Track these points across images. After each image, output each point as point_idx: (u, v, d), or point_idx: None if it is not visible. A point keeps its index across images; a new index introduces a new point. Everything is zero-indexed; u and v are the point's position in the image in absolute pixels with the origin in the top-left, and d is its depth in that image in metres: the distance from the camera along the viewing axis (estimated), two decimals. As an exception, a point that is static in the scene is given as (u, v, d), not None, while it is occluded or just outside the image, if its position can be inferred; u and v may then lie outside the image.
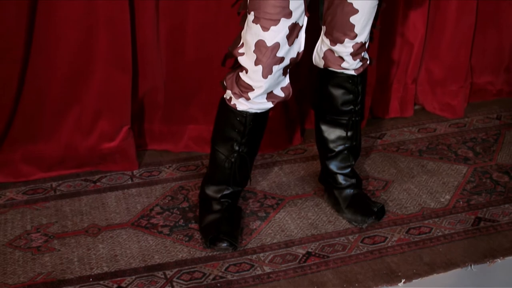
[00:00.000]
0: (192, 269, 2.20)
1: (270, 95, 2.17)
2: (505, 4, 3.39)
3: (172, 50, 2.79)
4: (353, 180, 2.51)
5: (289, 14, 2.04)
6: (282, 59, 2.10)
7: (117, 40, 2.63)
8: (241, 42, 2.14)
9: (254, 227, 2.42)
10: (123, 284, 2.11)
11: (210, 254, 2.27)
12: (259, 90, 2.12)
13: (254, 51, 2.07)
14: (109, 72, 2.67)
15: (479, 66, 3.51)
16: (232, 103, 2.19)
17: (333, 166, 2.50)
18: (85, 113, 2.73)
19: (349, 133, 2.45)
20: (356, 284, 2.13)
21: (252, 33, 2.07)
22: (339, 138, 2.46)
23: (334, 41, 2.29)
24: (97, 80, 2.69)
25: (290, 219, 2.47)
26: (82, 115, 2.73)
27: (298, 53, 2.16)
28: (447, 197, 2.64)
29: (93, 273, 2.16)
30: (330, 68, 2.37)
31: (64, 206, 2.54)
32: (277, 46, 2.06)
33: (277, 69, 2.10)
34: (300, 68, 2.63)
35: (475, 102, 3.51)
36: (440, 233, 2.40)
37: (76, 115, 2.72)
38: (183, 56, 2.80)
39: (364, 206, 2.47)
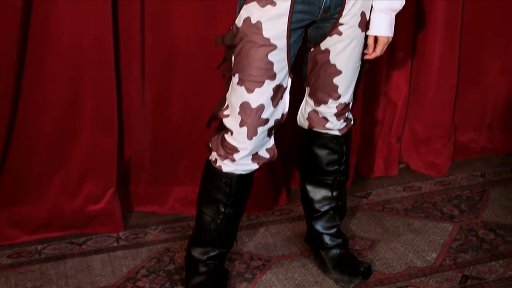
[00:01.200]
0: (178, 333, 2.18)
1: (255, 157, 2.19)
2: (485, 65, 3.46)
3: (158, 112, 2.81)
4: (339, 240, 2.51)
5: (273, 76, 2.07)
6: (267, 121, 2.12)
7: (103, 103, 2.65)
8: (226, 104, 2.17)
9: (241, 289, 2.41)
10: None
11: (196, 317, 2.25)
12: (244, 151, 2.13)
13: (239, 113, 2.10)
14: (95, 135, 2.68)
15: (462, 124, 3.56)
16: (217, 164, 2.20)
17: (319, 226, 2.50)
18: (71, 175, 2.72)
19: (334, 193, 2.46)
20: None
21: (236, 95, 2.10)
22: (325, 198, 2.46)
23: (318, 102, 2.32)
24: (83, 142, 2.69)
25: (277, 280, 2.46)
26: (68, 177, 2.72)
27: (282, 115, 2.19)
28: (434, 255, 2.64)
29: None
30: (315, 129, 2.39)
31: (49, 269, 2.52)
32: (261, 107, 2.09)
33: (262, 130, 2.12)
34: (284, 129, 2.65)
35: (459, 160, 3.54)
36: (427, 292, 2.40)
37: (62, 177, 2.72)
38: (169, 118, 2.82)
39: (350, 266, 2.46)
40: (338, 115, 2.33)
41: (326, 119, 2.35)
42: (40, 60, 2.56)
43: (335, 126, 2.36)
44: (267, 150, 2.21)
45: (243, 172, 2.20)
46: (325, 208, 2.47)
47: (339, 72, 2.24)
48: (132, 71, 2.72)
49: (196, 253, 2.34)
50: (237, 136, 2.12)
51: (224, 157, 2.17)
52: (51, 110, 2.63)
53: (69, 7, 2.53)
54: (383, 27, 2.23)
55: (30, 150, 2.64)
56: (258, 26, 2.04)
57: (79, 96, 2.64)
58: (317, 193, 2.47)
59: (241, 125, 2.10)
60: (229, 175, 2.19)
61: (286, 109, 2.19)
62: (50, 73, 2.58)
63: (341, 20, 2.16)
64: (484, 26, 3.39)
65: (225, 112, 2.16)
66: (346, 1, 2.12)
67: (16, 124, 2.60)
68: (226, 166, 2.18)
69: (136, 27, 2.68)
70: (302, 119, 2.44)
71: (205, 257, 2.32)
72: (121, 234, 2.78)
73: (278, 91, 2.11)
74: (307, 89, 2.36)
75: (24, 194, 2.68)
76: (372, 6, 2.22)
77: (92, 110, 2.66)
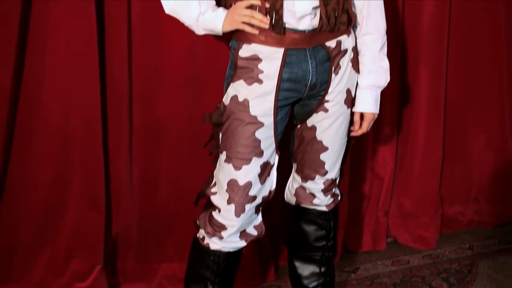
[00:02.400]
0: None
1: (243, 234, 2.18)
2: (470, 138, 3.50)
3: (145, 189, 2.81)
4: (329, 316, 2.49)
5: (260, 153, 2.09)
6: (254, 198, 2.13)
7: (91, 180, 2.65)
8: (213, 182, 2.18)
9: None
10: None
11: None
12: (232, 229, 2.13)
13: (226, 190, 2.10)
14: (82, 212, 2.67)
15: (449, 197, 3.57)
16: (205, 242, 2.19)
17: (308, 302, 2.48)
18: (58, 252, 2.69)
19: (322, 269, 2.44)
20: None
21: (224, 172, 2.11)
22: (313, 274, 2.45)
23: (305, 178, 2.34)
24: (70, 220, 2.68)
25: None
26: (55, 254, 2.69)
27: (270, 191, 2.19)
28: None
29: None
30: (302, 205, 2.40)
31: None
32: (249, 185, 2.10)
33: (249, 207, 2.13)
34: (272, 205, 2.65)
35: (447, 233, 3.54)
36: None
37: (49, 254, 2.69)
38: (156, 195, 2.82)
39: None
40: (325, 191, 2.35)
41: (313, 195, 2.36)
42: (28, 135, 2.57)
43: (322, 202, 2.37)
44: (255, 227, 2.21)
45: (231, 250, 2.19)
46: (314, 284, 2.46)
47: (325, 148, 2.26)
48: (120, 147, 2.73)
49: (185, 331, 2.30)
50: (225, 214, 2.12)
51: (211, 235, 2.16)
52: (39, 186, 2.62)
53: (58, 83, 2.56)
54: (368, 103, 2.27)
55: (17, 226, 2.62)
56: (245, 104, 2.07)
57: (67, 172, 2.64)
58: (305, 269, 2.46)
59: (228, 202, 2.11)
60: (217, 253, 2.18)
61: (274, 186, 2.20)
62: (38, 149, 2.58)
63: (327, 97, 2.20)
64: (468, 100, 3.44)
65: (213, 190, 2.17)
66: (332, 78, 2.16)
67: (3, 200, 2.58)
68: (214, 244, 2.17)
69: (124, 104, 2.70)
70: (289, 195, 2.45)
71: (194, 336, 2.28)
72: (108, 311, 2.74)
73: (265, 168, 2.13)
74: (294, 165, 2.38)
75: (10, 271, 2.64)
76: (357, 83, 2.26)
77: (80, 187, 2.66)
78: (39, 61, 2.54)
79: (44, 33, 2.53)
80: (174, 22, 2.14)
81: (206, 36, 2.24)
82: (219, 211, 2.13)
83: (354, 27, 2.24)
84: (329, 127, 2.24)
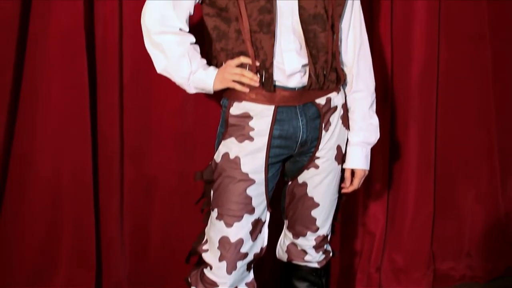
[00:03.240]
0: None
1: (235, 291, 2.17)
2: (461, 192, 3.50)
3: (136, 246, 2.80)
4: None
5: (252, 210, 2.09)
6: (246, 255, 2.12)
7: (81, 236, 2.65)
8: (205, 239, 2.17)
9: None
10: None
11: None
12: (223, 286, 2.12)
13: (218, 247, 2.10)
14: (72, 268, 2.66)
15: (440, 252, 3.56)
16: (197, 300, 2.18)
17: None
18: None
19: (315, 326, 2.43)
20: None
21: (215, 229, 2.11)
22: (306, 330, 2.43)
23: (296, 235, 2.34)
24: (60, 277, 2.67)
25: None
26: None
27: (261, 248, 2.19)
28: None
29: None
30: (294, 262, 2.40)
31: None
32: (240, 242, 2.09)
33: (241, 264, 2.12)
34: (264, 262, 2.64)
35: (439, 288, 3.52)
36: None
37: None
38: (147, 252, 2.81)
39: None
40: (316, 248, 2.34)
41: (305, 252, 2.36)
42: (19, 191, 2.58)
43: (314, 259, 2.37)
44: (246, 284, 2.20)
45: (223, 307, 2.18)
46: None
47: (316, 205, 2.27)
48: (111, 204, 2.73)
49: None
50: (217, 271, 2.11)
51: (203, 292, 2.15)
52: (29, 242, 2.62)
53: (50, 140, 2.58)
54: (359, 160, 2.29)
55: (8, 284, 2.60)
56: (236, 161, 2.08)
57: (58, 229, 2.64)
58: (299, 326, 2.44)
59: (220, 259, 2.10)
60: (209, 311, 2.16)
61: (265, 243, 2.20)
62: (28, 206, 2.59)
63: (317, 154, 2.21)
64: (458, 155, 3.46)
65: (204, 247, 2.16)
66: (322, 135, 2.19)
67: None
68: (206, 302, 2.16)
69: (116, 160, 2.71)
70: (281, 252, 2.45)
71: None
72: None
73: (257, 225, 2.13)
74: (286, 222, 2.38)
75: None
76: (347, 140, 2.29)
77: (70, 243, 2.65)
78: (31, 118, 2.57)
79: (36, 89, 2.56)
80: (166, 80, 2.16)
81: (197, 94, 2.27)
82: (211, 268, 2.12)
83: (344, 84, 2.28)
84: (320, 184, 2.26)
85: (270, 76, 2.05)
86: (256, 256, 2.17)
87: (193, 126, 2.73)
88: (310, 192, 2.26)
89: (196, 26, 2.34)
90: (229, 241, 2.09)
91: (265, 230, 2.19)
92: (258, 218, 2.13)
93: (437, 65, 3.18)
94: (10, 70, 2.49)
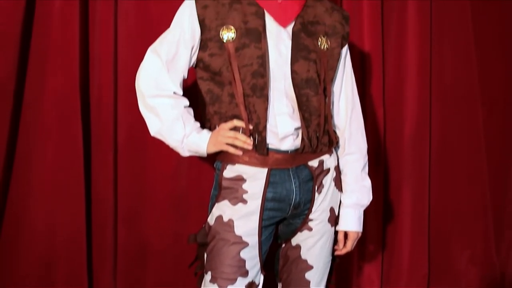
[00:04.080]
0: None
1: None
2: (455, 253, 3.48)
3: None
4: None
5: (245, 273, 2.08)
6: (240, 316, 2.10)
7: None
8: (199, 302, 2.16)
9: None
10: None
11: None
12: None
13: (212, 311, 2.09)
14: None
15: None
16: None
17: None
18: None
19: None
20: None
21: (209, 292, 2.10)
22: None
23: (290, 298, 2.32)
24: None
25: None
26: None
27: (256, 311, 2.17)
28: None
29: None
30: (288, 324, 2.37)
31: None
32: (235, 302, 2.08)
33: (235, 329, 2.10)
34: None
35: None
36: None
37: None
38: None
39: None
40: (311, 311, 2.32)
41: (299, 315, 2.34)
42: (12, 255, 2.57)
43: (308, 321, 2.35)
44: None
45: None
46: None
47: (310, 267, 2.26)
48: (104, 268, 2.72)
49: None
50: (211, 334, 2.09)
51: None
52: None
53: (43, 203, 2.59)
54: (352, 222, 2.29)
55: None
56: (230, 224, 2.08)
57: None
58: None
59: (214, 324, 2.08)
60: None
61: (260, 309, 2.18)
62: (21, 270, 2.57)
63: (311, 216, 2.22)
64: (451, 216, 3.45)
65: (198, 311, 2.15)
66: (315, 197, 2.19)
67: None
68: None
69: (109, 224, 2.72)
70: (275, 314, 2.43)
71: None
72: None
73: (250, 288, 2.12)
74: (279, 285, 2.36)
75: None
76: (340, 202, 2.29)
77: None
78: (25, 181, 2.58)
79: (31, 152, 2.58)
80: (160, 143, 2.18)
81: (191, 157, 2.28)
82: (205, 331, 2.11)
83: (336, 146, 2.30)
84: (314, 246, 2.25)
85: (263, 139, 2.06)
86: (251, 318, 2.16)
87: (187, 188, 2.74)
88: (304, 254, 2.26)
89: (189, 89, 2.37)
90: (223, 304, 2.07)
91: (259, 293, 2.18)
92: (252, 281, 2.11)
93: (429, 125, 3.21)
94: (5, 132, 2.51)
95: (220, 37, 2.07)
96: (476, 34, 3.24)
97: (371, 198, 2.33)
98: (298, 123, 2.10)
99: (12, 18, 2.50)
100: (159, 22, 2.62)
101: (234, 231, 2.08)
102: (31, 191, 2.60)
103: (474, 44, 3.22)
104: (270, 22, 2.11)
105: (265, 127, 2.06)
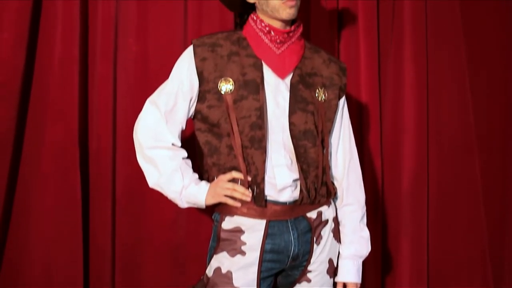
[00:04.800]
0: None
1: None
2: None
3: None
4: None
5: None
6: None
7: None
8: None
9: None
10: None
11: None
12: None
13: None
14: None
15: None
16: None
17: None
18: None
19: None
20: None
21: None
22: None
23: None
24: None
25: None
26: None
27: None
28: None
29: None
30: None
31: None
32: None
33: None
34: None
35: None
36: None
37: None
38: None
39: None
40: None
41: None
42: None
43: None
44: None
45: None
46: None
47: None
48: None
49: None
50: None
51: None
52: None
53: (41, 250, 2.58)
54: (351, 273, 2.28)
55: None
56: (228, 275, 2.07)
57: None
58: None
59: None
60: None
61: None
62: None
63: (309, 267, 2.21)
64: (450, 263, 3.42)
65: None
66: (314, 248, 2.19)
67: None
68: None
69: (108, 273, 2.70)
70: None
71: None
72: None
73: None
74: None
75: None
76: (339, 253, 2.28)
77: None
78: (23, 233, 2.57)
79: (29, 203, 2.58)
80: (158, 194, 2.18)
81: (189, 208, 2.28)
82: None
83: (334, 198, 2.30)
84: (313, 297, 2.24)
85: (261, 191, 2.07)
86: None
87: (185, 239, 2.73)
88: (303, 305, 2.24)
89: (187, 140, 2.38)
90: None
91: None
92: None
93: (427, 174, 3.22)
94: (3, 183, 2.52)
95: (218, 89, 2.09)
96: (472, 82, 3.27)
97: (369, 249, 2.32)
98: (296, 175, 2.10)
99: (13, 69, 2.52)
100: (158, 73, 2.64)
101: (232, 283, 2.07)
102: (29, 241, 2.59)
103: (471, 93, 3.25)
104: (269, 74, 2.13)
105: (263, 179, 2.07)
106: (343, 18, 3.03)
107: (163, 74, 2.25)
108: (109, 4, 2.70)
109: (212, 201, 2.11)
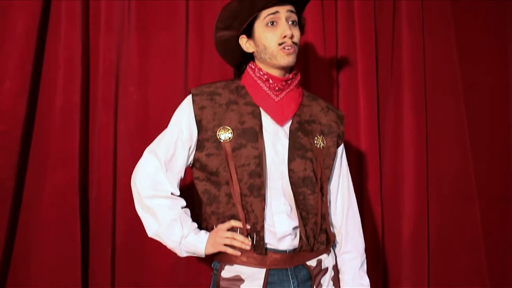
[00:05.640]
0: None
1: None
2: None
3: None
4: None
5: None
6: None
7: None
8: None
9: None
10: None
11: None
12: None
13: None
14: None
15: None
16: None
17: None
18: None
19: None
20: None
21: None
22: None
23: None
24: None
25: None
26: None
27: None
28: None
29: None
30: None
31: None
32: None
33: None
34: None
35: None
36: None
37: None
38: None
39: None
40: None
41: None
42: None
43: None
44: None
45: None
46: None
47: None
48: None
49: None
50: None
51: None
52: None
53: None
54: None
55: None
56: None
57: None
58: None
59: None
60: None
61: None
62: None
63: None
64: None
65: None
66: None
67: None
68: None
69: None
70: None
71: None
72: None
73: None
74: None
75: None
76: None
77: None
78: (23, 278, 2.56)
79: (29, 249, 2.58)
80: (158, 242, 2.18)
81: (188, 256, 2.27)
82: None
83: (334, 246, 2.29)
84: None
85: (261, 239, 2.06)
86: None
87: (185, 287, 2.71)
88: None
89: (185, 188, 2.39)
90: None
91: None
92: None
93: (427, 221, 3.21)
94: (3, 231, 2.51)
95: (217, 137, 2.10)
96: (471, 130, 3.29)
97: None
98: (296, 222, 2.10)
99: (14, 117, 2.54)
100: (159, 121, 2.66)
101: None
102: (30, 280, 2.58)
103: (470, 140, 3.27)
104: (267, 121, 2.15)
105: (263, 227, 2.07)
106: (342, 66, 3.06)
107: (163, 122, 2.27)
108: (110, 52, 2.74)
109: (212, 250, 2.10)
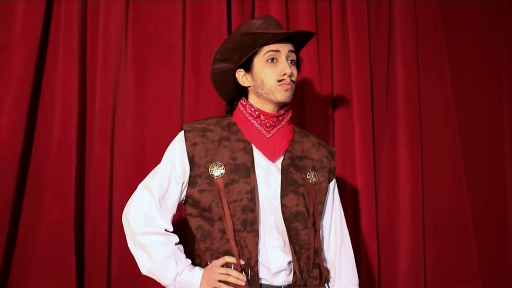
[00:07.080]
0: None
1: None
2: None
3: None
4: None
5: None
6: None
7: None
8: None
9: None
10: None
11: None
12: None
13: None
14: None
15: None
16: None
17: None
18: None
19: None
20: None
21: None
22: None
23: None
24: None
25: None
26: None
27: None
28: None
29: None
30: None
31: None
32: None
33: None
34: None
35: None
36: None
37: None
38: None
39: None
40: None
41: None
42: None
43: None
44: None
45: None
46: None
47: None
48: None
49: None
50: None
51: None
52: None
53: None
54: None
55: None
56: None
57: None
58: None
59: None
60: None
61: None
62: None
63: None
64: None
65: None
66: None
67: None
68: None
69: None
70: None
71: None
72: None
73: None
74: None
75: None
76: None
77: None
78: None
79: (24, 280, 2.57)
80: (152, 280, 2.16)
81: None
82: None
83: (328, 281, 2.28)
84: None
85: (255, 273, 2.06)
86: None
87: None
88: None
89: (178, 224, 2.39)
90: None
91: None
92: None
93: (424, 259, 3.20)
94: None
95: (209, 173, 2.12)
96: (467, 166, 3.30)
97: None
98: (290, 257, 2.10)
99: (11, 152, 2.55)
100: (155, 157, 2.64)
101: None
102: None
103: (466, 177, 3.27)
104: (259, 157, 2.16)
105: (257, 262, 2.06)
106: (337, 102, 3.08)
107: (159, 158, 2.27)
108: (107, 88, 2.76)
109: (207, 286, 2.09)
